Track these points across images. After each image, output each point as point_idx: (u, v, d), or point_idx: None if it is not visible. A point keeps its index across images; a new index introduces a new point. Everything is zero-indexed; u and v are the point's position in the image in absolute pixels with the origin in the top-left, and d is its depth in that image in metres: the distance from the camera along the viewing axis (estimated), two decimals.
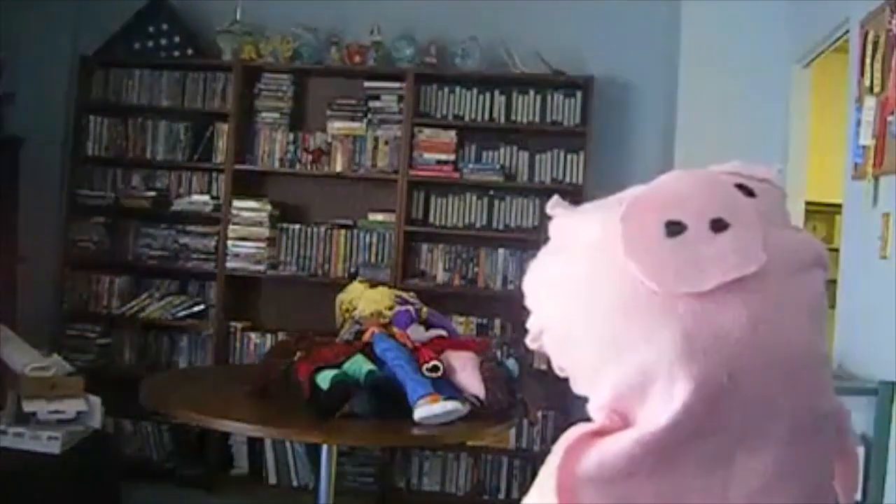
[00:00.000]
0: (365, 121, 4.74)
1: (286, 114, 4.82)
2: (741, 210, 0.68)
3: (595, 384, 0.68)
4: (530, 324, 0.76)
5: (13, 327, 3.79)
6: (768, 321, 0.64)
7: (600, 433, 0.66)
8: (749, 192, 0.70)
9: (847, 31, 3.27)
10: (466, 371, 2.75)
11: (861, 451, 2.66)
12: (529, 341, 0.76)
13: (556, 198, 0.78)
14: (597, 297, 0.68)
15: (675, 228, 0.66)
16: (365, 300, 3.25)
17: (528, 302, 0.76)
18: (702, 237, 0.66)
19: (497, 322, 4.64)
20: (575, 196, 4.55)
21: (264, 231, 4.71)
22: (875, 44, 2.82)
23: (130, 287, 4.89)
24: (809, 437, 0.66)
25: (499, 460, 4.62)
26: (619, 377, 0.66)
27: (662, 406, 0.63)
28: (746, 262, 0.64)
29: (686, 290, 0.64)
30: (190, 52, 4.86)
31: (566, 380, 0.74)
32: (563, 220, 0.76)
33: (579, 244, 0.71)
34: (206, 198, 4.82)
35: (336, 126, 4.76)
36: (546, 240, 0.76)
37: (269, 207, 4.73)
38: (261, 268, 4.73)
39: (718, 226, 0.66)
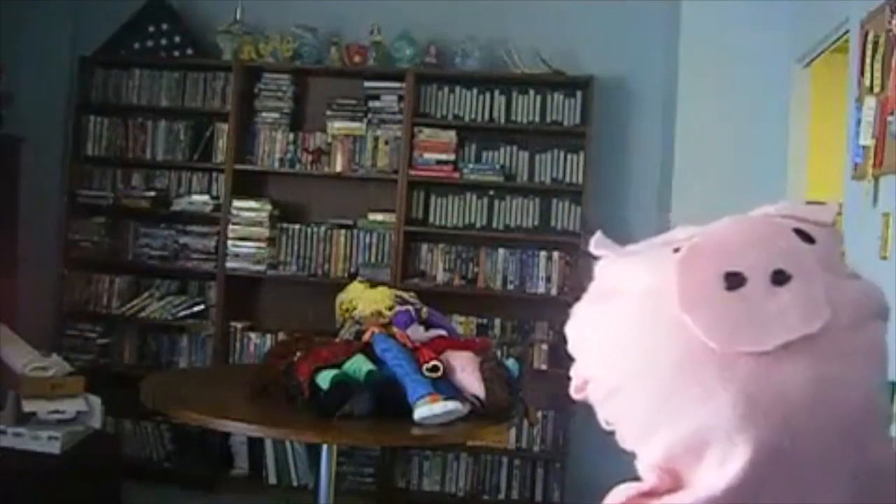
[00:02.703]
0: (365, 121, 4.74)
1: (286, 114, 4.82)
2: (802, 260, 0.64)
3: (646, 442, 0.66)
4: (574, 372, 0.72)
5: (13, 327, 3.78)
6: (831, 380, 0.62)
7: (650, 494, 0.64)
8: (808, 238, 0.66)
9: (847, 31, 3.27)
10: (466, 371, 2.75)
11: None
12: (573, 392, 0.73)
13: (600, 235, 0.73)
14: (650, 353, 0.65)
15: (734, 281, 0.63)
16: (365, 300, 3.25)
17: (572, 349, 0.72)
18: (763, 291, 0.62)
19: (497, 322, 4.64)
20: (575, 196, 4.57)
21: (264, 231, 4.71)
22: (875, 44, 2.82)
23: (130, 287, 4.89)
24: (869, 493, 0.64)
25: (499, 460, 4.61)
26: (673, 438, 0.63)
27: (719, 469, 0.61)
28: (811, 320, 0.61)
29: (747, 350, 0.61)
30: (190, 52, 4.86)
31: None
32: (610, 262, 0.72)
33: (629, 293, 0.68)
34: (206, 198, 4.82)
35: (336, 126, 4.76)
36: (589, 281, 0.73)
37: (269, 207, 4.73)
38: (261, 268, 4.73)
39: (780, 278, 0.63)
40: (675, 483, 0.64)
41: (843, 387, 0.62)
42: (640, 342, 0.66)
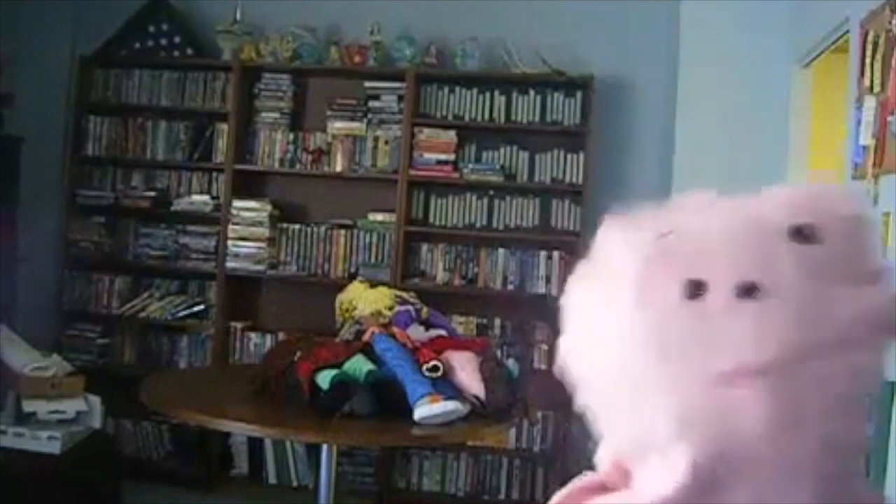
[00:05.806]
0: (365, 121, 4.74)
1: (286, 114, 4.82)
2: (783, 270, 0.56)
3: (605, 432, 0.64)
4: (560, 343, 0.69)
5: (13, 327, 3.78)
6: (791, 411, 0.55)
7: (598, 488, 0.64)
8: (809, 238, 0.58)
9: (847, 31, 3.27)
10: (466, 371, 2.75)
11: None
12: (558, 362, 0.70)
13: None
14: (606, 346, 0.61)
15: (694, 290, 0.57)
16: (365, 300, 3.25)
17: (562, 321, 0.68)
18: (722, 306, 0.56)
19: (497, 322, 4.63)
20: (575, 196, 4.57)
21: (264, 231, 4.71)
22: (875, 44, 2.81)
23: (130, 287, 4.89)
24: None
25: (499, 460, 4.61)
26: (622, 435, 0.62)
27: (658, 476, 0.58)
28: (764, 348, 0.54)
29: (689, 371, 0.56)
30: (190, 52, 4.86)
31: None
32: (605, 230, 0.66)
33: (608, 276, 0.63)
34: (206, 198, 4.82)
35: (336, 126, 4.76)
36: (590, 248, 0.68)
37: (269, 207, 4.73)
38: (261, 268, 4.73)
39: (747, 292, 0.56)
40: (623, 478, 0.63)
41: (809, 423, 0.55)
42: (600, 332, 0.62)
